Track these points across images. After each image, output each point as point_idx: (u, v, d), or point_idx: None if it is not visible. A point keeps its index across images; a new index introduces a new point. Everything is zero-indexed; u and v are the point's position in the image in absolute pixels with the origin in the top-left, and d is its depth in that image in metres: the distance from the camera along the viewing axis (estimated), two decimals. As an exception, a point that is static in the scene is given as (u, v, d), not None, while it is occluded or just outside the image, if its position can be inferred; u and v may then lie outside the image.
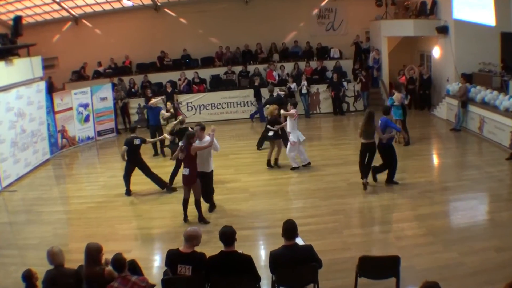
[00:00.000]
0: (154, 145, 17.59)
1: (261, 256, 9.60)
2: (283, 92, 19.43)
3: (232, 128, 21.92)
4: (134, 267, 7.25)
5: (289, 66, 24.72)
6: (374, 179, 13.33)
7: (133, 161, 13.72)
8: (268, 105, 16.72)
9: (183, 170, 11.38)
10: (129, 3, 24.41)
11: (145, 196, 13.72)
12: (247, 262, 6.90)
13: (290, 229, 6.95)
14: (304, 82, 23.09)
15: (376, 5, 24.60)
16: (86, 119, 21.11)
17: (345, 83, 23.57)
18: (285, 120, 15.00)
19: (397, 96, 17.02)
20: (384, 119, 13.00)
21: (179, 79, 24.39)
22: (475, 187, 12.79)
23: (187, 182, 11.29)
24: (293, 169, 15.06)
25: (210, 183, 12.06)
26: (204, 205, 11.88)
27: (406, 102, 17.53)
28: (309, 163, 15.23)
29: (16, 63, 16.75)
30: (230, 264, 6.81)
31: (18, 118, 16.64)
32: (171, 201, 12.93)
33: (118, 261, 6.58)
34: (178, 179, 12.84)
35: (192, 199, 11.46)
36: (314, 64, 24.89)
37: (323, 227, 10.80)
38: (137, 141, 13.57)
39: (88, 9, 25.38)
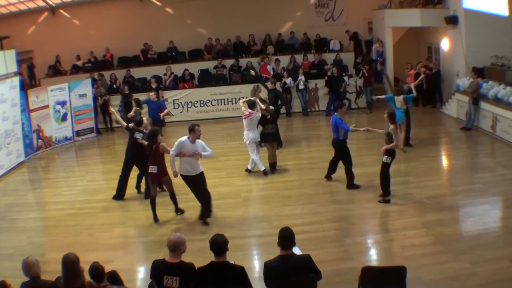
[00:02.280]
0: None
1: (255, 267, 9.61)
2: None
3: (222, 128, 21.90)
4: (115, 279, 7.24)
5: (285, 60, 24.75)
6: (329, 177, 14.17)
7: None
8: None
9: (150, 168, 11.95)
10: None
11: (128, 201, 13.72)
12: (240, 274, 6.90)
13: (286, 237, 6.95)
14: (301, 77, 23.11)
15: (380, -7, 24.73)
16: (64, 118, 21.08)
17: (346, 78, 23.60)
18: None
19: (398, 99, 16.90)
20: (335, 117, 13.34)
21: (165, 74, 24.38)
22: (488, 191, 12.81)
23: (156, 180, 12.20)
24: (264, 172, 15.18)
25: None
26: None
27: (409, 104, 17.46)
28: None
29: (-12, 57, 16.75)
30: (221, 275, 6.80)
31: (-11, 117, 16.63)
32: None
33: (96, 270, 6.58)
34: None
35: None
36: (312, 57, 24.93)
37: (322, 235, 10.82)
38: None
39: (66, -2, 25.37)
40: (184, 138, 11.46)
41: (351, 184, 13.44)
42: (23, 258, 6.89)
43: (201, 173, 11.80)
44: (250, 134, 14.72)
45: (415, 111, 22.87)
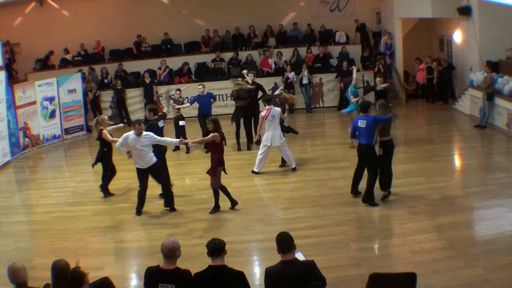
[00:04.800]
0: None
1: (255, 274, 9.63)
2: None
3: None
4: (108, 287, 7.25)
5: (287, 53, 24.76)
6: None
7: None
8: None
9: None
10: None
11: (120, 204, 13.72)
12: (239, 278, 6.89)
13: (283, 239, 6.89)
14: (305, 71, 23.08)
15: (388, -19, 24.70)
16: (52, 114, 21.09)
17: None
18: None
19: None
20: (371, 118, 12.37)
21: (159, 68, 24.41)
22: (503, 192, 12.79)
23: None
24: (253, 172, 15.39)
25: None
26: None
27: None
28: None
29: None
30: (220, 280, 6.81)
31: (-27, 114, 16.61)
32: (150, 210, 12.93)
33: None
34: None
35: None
36: (316, 50, 24.93)
37: (327, 240, 10.82)
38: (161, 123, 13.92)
39: (54, -13, 25.36)
40: (130, 132, 12.55)
41: (369, 198, 12.56)
42: (8, 264, 6.89)
43: (154, 164, 12.67)
44: (277, 134, 14.97)
45: (426, 108, 22.96)
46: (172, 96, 19.19)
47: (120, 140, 12.61)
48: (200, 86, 18.27)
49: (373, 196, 12.53)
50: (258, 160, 15.25)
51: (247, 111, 17.94)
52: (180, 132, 17.41)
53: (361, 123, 12.30)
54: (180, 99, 18.08)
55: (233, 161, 16.49)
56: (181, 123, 17.55)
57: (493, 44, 19.97)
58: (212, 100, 18.38)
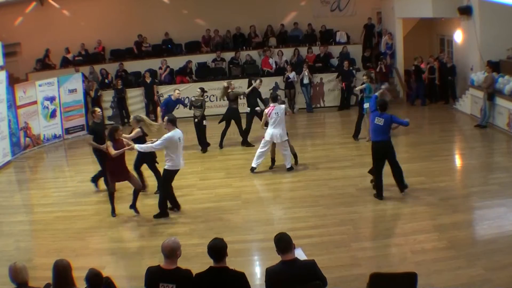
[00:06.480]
0: None
1: (256, 274, 9.63)
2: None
3: (221, 125, 21.80)
4: (109, 286, 7.24)
5: (288, 52, 24.75)
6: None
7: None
8: None
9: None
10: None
11: (120, 204, 13.68)
12: (240, 280, 6.88)
13: (281, 240, 6.88)
14: (306, 71, 23.06)
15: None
16: (53, 114, 21.09)
17: (354, 72, 23.51)
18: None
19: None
20: (387, 116, 12.46)
21: (160, 68, 24.40)
22: (504, 192, 12.79)
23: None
24: (251, 169, 15.41)
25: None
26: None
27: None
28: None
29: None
30: (221, 281, 6.80)
31: (-27, 113, 16.61)
32: (150, 210, 12.92)
33: (96, 277, 6.60)
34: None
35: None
36: (317, 49, 24.92)
37: (328, 239, 10.80)
38: None
39: (54, -13, 25.35)
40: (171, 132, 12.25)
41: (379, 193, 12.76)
42: (9, 264, 6.89)
43: None
44: (278, 131, 14.92)
45: (427, 108, 22.94)
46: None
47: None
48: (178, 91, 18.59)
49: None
50: (256, 155, 15.26)
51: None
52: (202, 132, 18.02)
53: (379, 121, 12.36)
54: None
55: (234, 161, 16.52)
56: (204, 122, 17.70)
57: (494, 44, 19.96)
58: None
